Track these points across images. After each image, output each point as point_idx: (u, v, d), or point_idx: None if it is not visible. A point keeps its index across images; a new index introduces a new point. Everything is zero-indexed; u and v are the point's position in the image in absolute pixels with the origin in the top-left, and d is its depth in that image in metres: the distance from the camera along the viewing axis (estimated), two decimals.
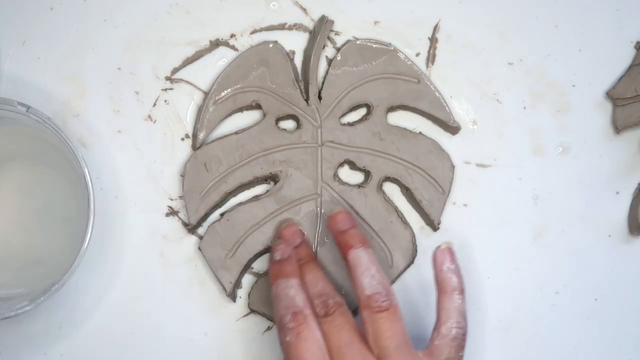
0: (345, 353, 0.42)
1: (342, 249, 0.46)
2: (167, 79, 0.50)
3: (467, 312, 0.45)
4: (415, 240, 0.50)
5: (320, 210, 0.49)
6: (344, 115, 0.50)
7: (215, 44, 0.50)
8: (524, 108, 0.51)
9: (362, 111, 0.50)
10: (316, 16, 0.50)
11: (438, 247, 0.45)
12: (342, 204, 0.49)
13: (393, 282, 0.49)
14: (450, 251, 0.45)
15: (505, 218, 0.51)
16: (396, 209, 0.49)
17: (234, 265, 0.49)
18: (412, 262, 0.50)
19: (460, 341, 0.44)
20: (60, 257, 0.47)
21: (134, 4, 0.50)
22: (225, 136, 0.49)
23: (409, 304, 0.50)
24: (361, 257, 0.45)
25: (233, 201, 0.50)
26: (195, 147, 0.49)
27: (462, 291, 0.45)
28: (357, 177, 0.50)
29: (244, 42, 0.50)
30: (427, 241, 0.50)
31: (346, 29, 0.50)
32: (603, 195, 0.51)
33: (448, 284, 0.45)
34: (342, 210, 0.47)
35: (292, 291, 0.44)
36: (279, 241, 0.47)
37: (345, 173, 0.50)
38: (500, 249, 0.50)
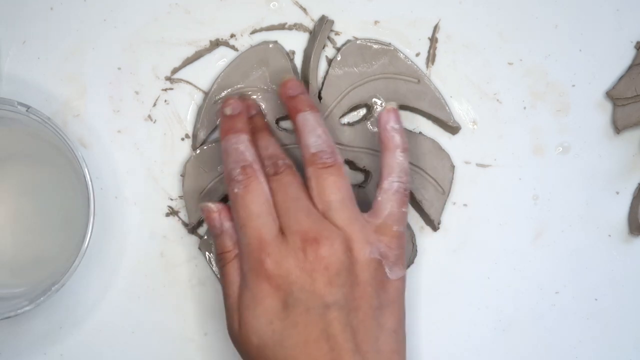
0: (290, 207, 0.43)
1: (291, 114, 0.46)
2: (167, 79, 0.50)
3: (409, 171, 0.45)
4: (415, 240, 0.50)
5: None
6: (344, 115, 0.50)
7: (215, 44, 0.50)
8: (524, 108, 0.51)
9: (362, 111, 0.50)
10: (316, 16, 0.50)
11: (384, 108, 0.45)
12: None
13: None
14: (395, 112, 0.45)
15: (505, 218, 0.51)
16: None
17: None
18: (412, 262, 0.50)
19: (402, 196, 0.44)
20: (60, 257, 0.47)
21: (134, 4, 0.50)
22: None
23: (408, 304, 0.50)
24: (308, 119, 0.45)
25: None
26: (195, 147, 0.49)
27: (404, 149, 0.45)
28: (357, 177, 0.50)
29: (244, 42, 0.50)
30: (427, 241, 0.50)
31: (346, 29, 0.50)
32: (603, 195, 0.51)
33: (391, 141, 0.45)
34: (292, 77, 0.47)
35: (242, 146, 0.44)
36: (229, 99, 0.47)
37: (345, 173, 0.50)
38: (500, 249, 0.50)
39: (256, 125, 0.47)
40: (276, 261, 0.41)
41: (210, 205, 0.45)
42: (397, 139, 0.45)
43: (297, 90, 0.46)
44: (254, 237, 0.42)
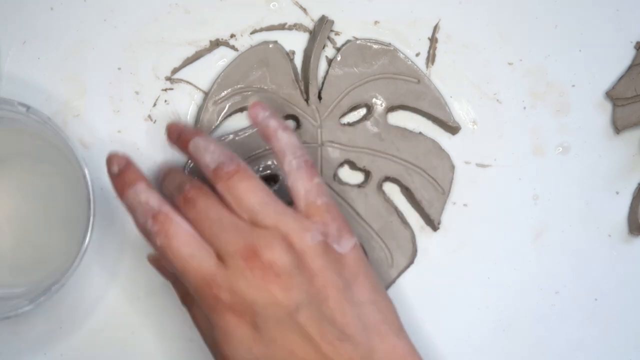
0: (218, 230, 0.40)
1: (183, 149, 0.44)
2: (167, 79, 0.50)
3: (300, 146, 0.43)
4: (415, 240, 0.50)
5: None
6: (344, 115, 0.50)
7: (215, 44, 0.50)
8: (524, 108, 0.51)
9: (362, 111, 0.50)
10: (316, 16, 0.50)
11: (251, 105, 0.44)
12: (342, 204, 0.49)
13: (393, 282, 0.49)
14: (259, 104, 0.43)
15: (505, 218, 0.51)
16: (396, 209, 0.49)
17: None
18: (412, 262, 0.50)
19: (306, 169, 0.42)
20: (60, 257, 0.47)
21: (134, 4, 0.50)
22: (225, 136, 0.49)
23: (408, 304, 0.50)
24: (197, 144, 0.43)
25: None
26: None
27: (284, 128, 0.43)
28: (357, 177, 0.50)
29: (244, 42, 0.50)
30: (427, 241, 0.50)
31: (346, 29, 0.51)
32: (603, 195, 0.51)
33: (269, 128, 0.43)
34: (172, 124, 0.45)
35: (142, 196, 0.42)
36: (111, 155, 0.43)
37: (345, 173, 0.50)
38: (500, 249, 0.50)
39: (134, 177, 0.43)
40: (229, 290, 0.39)
41: (156, 257, 0.45)
42: (272, 123, 0.43)
43: (179, 129, 0.44)
44: (197, 278, 0.40)
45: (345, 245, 0.42)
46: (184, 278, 0.41)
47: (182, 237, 0.40)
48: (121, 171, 0.43)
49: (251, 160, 0.49)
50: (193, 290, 0.41)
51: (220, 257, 0.40)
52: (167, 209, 0.41)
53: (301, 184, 0.42)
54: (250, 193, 0.41)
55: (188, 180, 0.43)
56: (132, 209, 0.42)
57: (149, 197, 0.41)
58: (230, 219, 0.41)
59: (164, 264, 0.45)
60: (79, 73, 0.50)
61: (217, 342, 0.41)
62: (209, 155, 0.42)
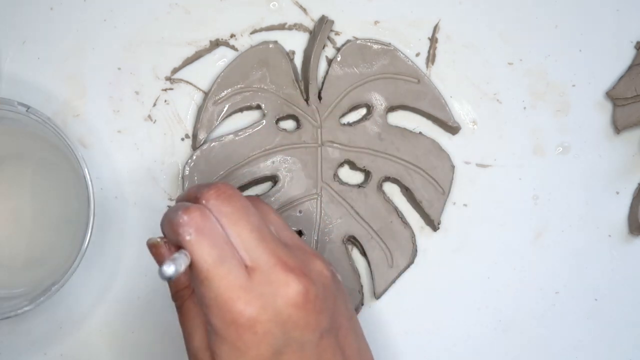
0: (257, 237, 0.37)
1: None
2: (167, 79, 0.50)
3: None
4: (415, 240, 0.50)
5: (320, 211, 0.49)
6: (344, 115, 0.50)
7: (215, 44, 0.50)
8: (524, 108, 0.51)
9: (362, 111, 0.50)
10: (316, 16, 0.50)
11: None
12: (342, 204, 0.49)
13: (393, 282, 0.49)
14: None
15: (505, 218, 0.51)
16: (396, 209, 0.49)
17: None
18: (412, 262, 0.50)
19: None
20: (60, 257, 0.47)
21: (134, 4, 0.50)
22: (225, 136, 0.49)
23: (408, 304, 0.50)
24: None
25: None
26: (195, 147, 0.49)
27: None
28: (357, 177, 0.50)
29: (244, 42, 0.50)
30: (427, 241, 0.50)
31: (346, 29, 0.51)
32: (603, 195, 0.51)
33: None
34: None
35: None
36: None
37: (345, 173, 0.50)
38: (500, 249, 0.50)
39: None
40: (259, 305, 0.36)
41: (156, 240, 0.39)
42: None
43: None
44: (223, 287, 0.36)
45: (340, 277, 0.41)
46: (204, 283, 0.36)
47: (215, 238, 0.36)
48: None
49: (251, 160, 0.49)
50: (211, 297, 0.36)
51: (251, 269, 0.36)
52: (203, 205, 0.37)
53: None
54: (235, 225, 0.37)
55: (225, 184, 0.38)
56: (166, 218, 0.38)
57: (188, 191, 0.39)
58: (269, 229, 0.38)
59: (178, 261, 0.37)
60: (79, 73, 0.50)
61: (218, 355, 0.37)
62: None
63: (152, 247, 0.39)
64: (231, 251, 0.36)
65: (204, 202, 0.37)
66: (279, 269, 0.36)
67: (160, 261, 0.39)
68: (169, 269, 0.34)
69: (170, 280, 0.34)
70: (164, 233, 0.38)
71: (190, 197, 0.38)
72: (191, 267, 0.36)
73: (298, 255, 0.38)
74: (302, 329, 0.36)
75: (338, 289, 0.40)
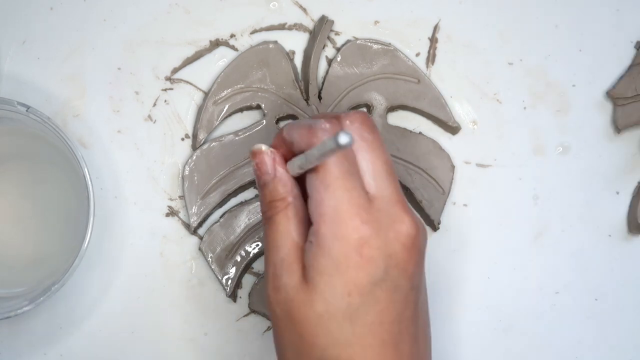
0: (383, 170, 0.38)
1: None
2: (167, 79, 0.50)
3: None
4: None
5: None
6: None
7: (215, 44, 0.50)
8: (524, 108, 0.51)
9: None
10: (316, 16, 0.50)
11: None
12: None
13: None
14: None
15: (505, 218, 0.51)
16: None
17: (234, 265, 0.49)
18: None
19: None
20: (60, 257, 0.47)
21: (134, 4, 0.50)
22: (225, 136, 0.49)
23: None
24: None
25: (233, 201, 0.50)
26: (195, 147, 0.49)
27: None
28: None
29: (244, 42, 0.50)
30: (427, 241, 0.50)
31: (346, 29, 0.51)
32: (603, 195, 0.51)
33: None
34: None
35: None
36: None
37: None
38: (500, 249, 0.50)
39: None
40: (375, 230, 0.36)
41: (262, 147, 0.39)
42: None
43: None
44: (344, 198, 0.36)
45: None
46: (328, 189, 0.36)
47: (349, 154, 0.37)
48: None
49: (251, 161, 0.49)
50: (331, 205, 0.36)
51: (372, 196, 0.37)
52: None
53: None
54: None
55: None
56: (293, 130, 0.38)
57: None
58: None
59: (281, 159, 0.39)
60: (79, 73, 0.50)
61: (315, 267, 0.37)
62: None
63: (257, 154, 0.39)
64: (358, 173, 0.37)
65: (347, 122, 0.38)
66: (399, 207, 0.37)
67: (260, 169, 0.39)
68: (347, 136, 0.32)
69: (346, 148, 0.33)
70: (287, 140, 0.38)
71: (327, 119, 0.38)
72: (318, 170, 0.36)
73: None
74: (400, 271, 0.37)
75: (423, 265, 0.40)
